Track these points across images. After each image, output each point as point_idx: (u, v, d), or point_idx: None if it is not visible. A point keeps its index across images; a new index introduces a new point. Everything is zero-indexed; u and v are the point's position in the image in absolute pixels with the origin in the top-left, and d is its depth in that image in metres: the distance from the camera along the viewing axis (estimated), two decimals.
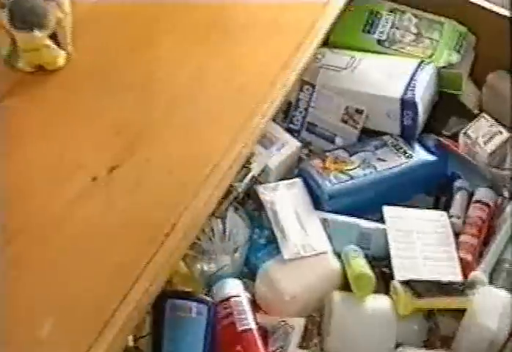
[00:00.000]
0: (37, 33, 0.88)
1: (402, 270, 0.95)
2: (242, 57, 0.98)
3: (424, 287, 0.93)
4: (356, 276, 0.94)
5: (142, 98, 0.92)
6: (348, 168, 1.06)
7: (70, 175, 0.84)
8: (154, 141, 0.89)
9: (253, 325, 0.89)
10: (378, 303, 0.94)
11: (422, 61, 1.11)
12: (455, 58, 1.13)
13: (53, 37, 0.92)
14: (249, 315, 0.90)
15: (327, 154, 1.09)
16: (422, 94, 1.07)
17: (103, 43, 0.96)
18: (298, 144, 1.09)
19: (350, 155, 1.08)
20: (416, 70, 1.09)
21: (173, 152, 0.88)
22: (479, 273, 0.97)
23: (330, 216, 1.01)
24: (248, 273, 0.99)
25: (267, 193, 1.02)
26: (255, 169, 1.02)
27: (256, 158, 1.02)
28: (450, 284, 0.95)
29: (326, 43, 1.12)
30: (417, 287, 0.93)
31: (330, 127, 1.12)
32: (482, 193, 1.07)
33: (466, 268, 0.98)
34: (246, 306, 0.91)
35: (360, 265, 0.95)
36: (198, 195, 0.85)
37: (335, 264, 0.96)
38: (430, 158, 1.07)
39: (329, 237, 0.99)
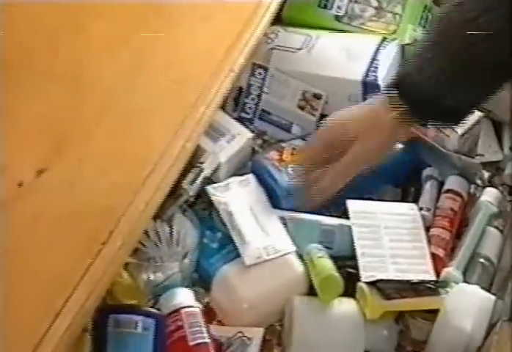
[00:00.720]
0: None
1: (369, 270, 0.91)
2: (183, 42, 0.93)
3: (393, 287, 0.89)
4: (323, 279, 0.90)
5: (71, 91, 0.85)
6: None
7: None
8: (86, 139, 0.83)
9: (207, 339, 0.85)
10: (344, 307, 0.90)
11: (384, 39, 1.08)
12: (420, 33, 1.09)
13: None
14: (202, 328, 0.86)
15: (283, 145, 1.05)
16: (386, 75, 1.04)
17: (23, 31, 0.87)
18: (250, 134, 1.05)
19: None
20: (378, 49, 1.06)
21: (108, 151, 0.84)
22: (452, 270, 0.94)
23: (288, 214, 0.97)
24: (199, 281, 0.95)
25: (218, 194, 0.98)
26: (207, 168, 0.98)
27: (208, 156, 0.98)
28: (422, 282, 0.90)
29: (278, 21, 1.09)
30: (386, 288, 0.89)
31: (286, 114, 1.08)
32: (453, 181, 1.04)
33: (438, 264, 0.95)
34: (199, 318, 0.86)
35: (326, 266, 0.91)
36: (137, 197, 0.82)
37: (299, 267, 0.92)
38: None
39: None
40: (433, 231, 0.99)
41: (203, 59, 0.93)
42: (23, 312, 0.71)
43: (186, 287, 0.91)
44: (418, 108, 0.85)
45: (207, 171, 0.97)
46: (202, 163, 0.97)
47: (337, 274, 0.90)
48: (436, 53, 0.83)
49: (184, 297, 0.89)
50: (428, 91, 0.83)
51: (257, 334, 0.88)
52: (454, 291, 0.91)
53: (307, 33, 1.09)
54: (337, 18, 1.12)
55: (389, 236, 0.96)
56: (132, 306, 0.87)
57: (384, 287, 0.89)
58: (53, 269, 0.75)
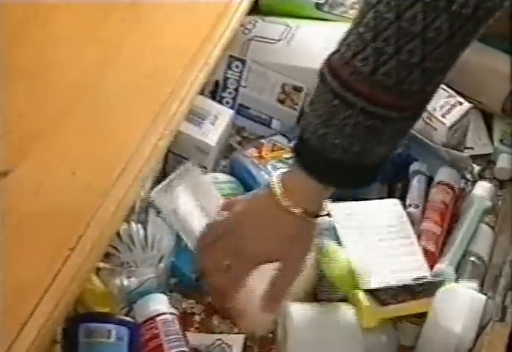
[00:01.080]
0: None
1: (363, 274, 0.89)
2: (154, 33, 0.90)
3: (389, 293, 0.88)
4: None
5: (34, 88, 0.81)
6: (288, 156, 1.00)
7: None
8: (52, 138, 0.79)
9: (184, 348, 0.83)
10: (341, 314, 0.88)
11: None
12: None
13: None
14: (179, 336, 0.84)
15: (263, 141, 1.04)
16: None
17: None
18: (231, 111, 1.04)
19: (290, 141, 1.03)
20: None
21: (76, 151, 0.80)
22: (445, 267, 0.93)
23: None
24: (176, 286, 0.93)
25: (164, 200, 0.94)
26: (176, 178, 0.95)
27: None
28: (417, 285, 0.90)
29: (255, 10, 1.07)
30: (381, 294, 0.88)
31: (265, 108, 1.07)
32: (445, 173, 1.03)
33: (429, 259, 0.94)
34: (175, 325, 0.84)
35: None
36: (107, 199, 0.80)
37: None
38: None
39: None
40: (424, 225, 0.98)
41: (176, 52, 0.90)
42: None
43: (162, 292, 0.89)
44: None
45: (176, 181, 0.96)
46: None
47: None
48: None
49: (159, 303, 0.87)
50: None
51: (237, 341, 0.86)
52: (443, 291, 0.89)
53: (286, 23, 1.07)
54: (318, 6, 1.11)
55: (378, 236, 0.94)
56: (104, 314, 0.85)
57: (378, 293, 0.88)
58: (18, 277, 0.71)
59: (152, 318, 0.84)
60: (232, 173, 1.03)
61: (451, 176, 1.02)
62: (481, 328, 0.86)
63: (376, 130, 0.75)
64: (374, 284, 0.89)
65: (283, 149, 1.02)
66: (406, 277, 0.90)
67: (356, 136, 0.75)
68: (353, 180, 0.80)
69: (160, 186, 0.93)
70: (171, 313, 0.86)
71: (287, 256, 0.81)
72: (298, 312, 0.88)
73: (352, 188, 0.84)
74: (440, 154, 1.04)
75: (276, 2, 1.11)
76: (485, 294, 0.89)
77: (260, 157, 1.01)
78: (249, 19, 1.06)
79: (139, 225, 0.91)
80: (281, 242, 0.81)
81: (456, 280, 0.92)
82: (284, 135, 1.04)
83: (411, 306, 0.88)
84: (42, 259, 0.74)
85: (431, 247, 0.95)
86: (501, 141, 1.11)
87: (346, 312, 0.88)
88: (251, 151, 1.02)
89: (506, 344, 0.83)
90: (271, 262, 0.81)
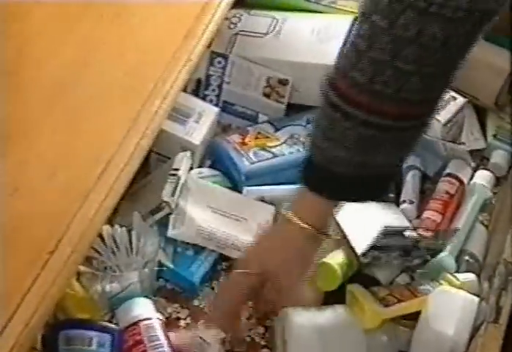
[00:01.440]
0: None
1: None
2: (136, 28, 0.89)
3: (387, 289, 0.90)
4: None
5: (11, 86, 0.80)
6: (272, 144, 1.02)
7: None
8: (30, 138, 0.79)
9: None
10: (342, 317, 0.89)
11: (357, 18, 1.01)
12: None
13: None
14: (163, 341, 0.83)
15: (248, 128, 1.04)
16: None
17: None
18: (216, 109, 1.04)
19: (277, 130, 1.04)
20: (351, 29, 1.03)
21: (55, 151, 0.80)
22: (445, 256, 0.94)
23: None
24: (185, 293, 0.93)
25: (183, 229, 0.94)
26: (183, 174, 0.95)
27: (181, 160, 0.96)
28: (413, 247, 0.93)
29: (241, 3, 1.07)
30: (379, 291, 0.89)
31: (251, 104, 1.06)
32: (454, 165, 1.04)
33: None
34: (159, 331, 0.83)
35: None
36: (88, 201, 0.79)
37: None
38: None
39: None
40: (425, 214, 0.99)
41: (157, 48, 0.90)
42: None
43: (146, 297, 0.88)
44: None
45: (183, 177, 0.95)
46: (177, 169, 0.94)
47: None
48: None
49: (143, 308, 0.86)
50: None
51: (214, 337, 0.86)
52: (435, 293, 0.89)
53: (273, 15, 1.07)
54: None
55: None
56: (85, 321, 0.84)
57: (377, 291, 0.89)
58: None
59: (136, 323, 0.84)
60: (213, 158, 1.03)
61: (460, 168, 1.03)
62: (475, 330, 0.85)
63: (378, 140, 0.75)
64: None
65: (268, 137, 1.02)
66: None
67: (358, 147, 0.76)
68: (361, 193, 0.81)
69: (172, 220, 0.93)
70: (154, 318, 0.84)
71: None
72: (298, 316, 0.87)
73: (362, 201, 0.85)
74: (436, 148, 1.03)
75: None
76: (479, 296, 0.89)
77: (243, 143, 1.01)
78: (233, 12, 1.06)
79: (124, 228, 0.90)
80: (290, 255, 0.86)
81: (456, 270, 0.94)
82: (271, 123, 1.04)
83: (412, 305, 0.88)
84: (20, 264, 0.73)
85: (428, 234, 0.96)
86: (494, 136, 1.10)
87: (346, 314, 0.88)
88: (235, 137, 1.02)
89: (501, 345, 0.82)
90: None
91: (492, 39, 1.08)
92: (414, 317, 0.87)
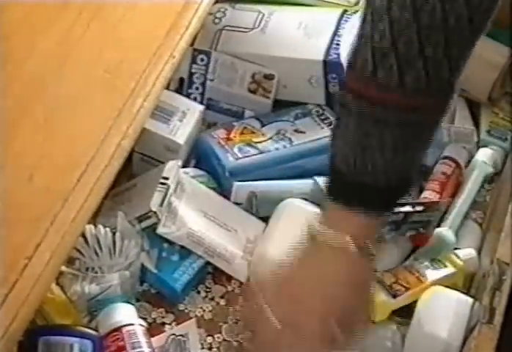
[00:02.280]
0: None
1: None
2: (116, 25, 0.91)
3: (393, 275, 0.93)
4: None
5: None
6: (258, 140, 1.03)
7: None
8: (6, 139, 0.80)
9: None
10: None
11: (345, 11, 1.07)
12: None
13: None
14: (145, 348, 0.83)
15: (234, 124, 1.05)
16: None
17: None
18: (201, 107, 1.04)
19: (263, 126, 1.04)
20: (339, 23, 1.05)
21: (32, 153, 0.81)
22: (445, 230, 0.97)
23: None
24: (145, 295, 0.93)
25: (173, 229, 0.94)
26: (173, 182, 0.95)
27: (172, 168, 0.96)
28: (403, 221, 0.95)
29: None
30: (386, 280, 0.92)
31: (236, 100, 1.07)
32: (451, 149, 1.09)
33: None
34: (142, 337, 0.83)
35: None
36: (67, 204, 0.79)
37: None
38: None
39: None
40: (423, 194, 1.03)
41: (139, 45, 0.90)
42: None
43: (127, 301, 0.88)
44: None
45: (173, 186, 0.95)
46: (166, 178, 0.94)
47: None
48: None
49: (125, 314, 0.86)
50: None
51: (189, 327, 0.88)
52: (428, 294, 0.90)
53: (259, 9, 1.08)
54: None
55: None
56: (65, 327, 0.85)
57: (382, 277, 0.90)
58: None
59: (118, 329, 0.84)
60: (198, 156, 1.03)
61: (456, 151, 1.08)
62: (468, 332, 0.86)
63: (408, 136, 0.74)
64: None
65: (254, 132, 1.03)
66: None
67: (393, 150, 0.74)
68: (394, 200, 0.79)
69: (163, 218, 0.93)
70: (137, 324, 0.85)
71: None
72: None
73: (394, 208, 0.82)
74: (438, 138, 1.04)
75: None
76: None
77: (228, 139, 1.02)
78: (218, 7, 1.06)
79: (107, 229, 0.90)
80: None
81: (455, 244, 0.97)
82: (257, 119, 1.05)
83: (419, 293, 0.90)
84: None
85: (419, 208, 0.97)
86: (488, 132, 1.11)
87: None
88: (220, 132, 1.03)
89: (495, 346, 0.82)
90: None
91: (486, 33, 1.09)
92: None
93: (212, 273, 0.96)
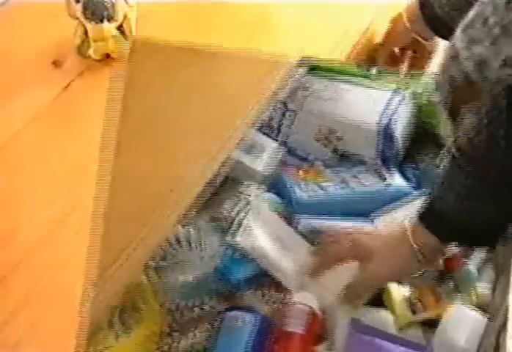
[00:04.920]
0: (106, 24, 1.12)
1: None
2: (217, 73, 1.17)
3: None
4: None
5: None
6: (321, 179, 1.19)
7: None
8: (134, 152, 1.03)
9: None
10: (377, 317, 1.08)
11: (398, 88, 1.25)
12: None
13: (120, 28, 1.15)
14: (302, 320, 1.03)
15: (304, 164, 1.24)
16: (400, 122, 1.22)
17: (162, 36, 1.19)
18: (277, 145, 1.25)
19: (326, 168, 1.23)
20: (392, 97, 1.23)
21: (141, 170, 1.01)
22: (470, 267, 1.10)
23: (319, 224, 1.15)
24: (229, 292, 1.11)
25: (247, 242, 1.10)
26: (251, 200, 1.16)
27: (252, 190, 1.17)
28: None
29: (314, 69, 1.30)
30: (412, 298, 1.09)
31: (306, 147, 1.27)
32: None
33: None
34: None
35: None
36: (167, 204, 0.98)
37: None
38: (406, 186, 1.21)
39: None
40: None
41: (234, 93, 1.14)
42: None
43: (212, 289, 1.08)
44: (450, 239, 1.00)
45: (250, 203, 1.15)
46: (248, 195, 1.17)
47: None
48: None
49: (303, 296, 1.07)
50: (457, 220, 0.95)
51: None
52: (453, 309, 1.05)
53: (338, 85, 1.27)
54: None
55: None
56: (238, 305, 1.08)
57: (410, 294, 1.08)
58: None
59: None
60: (272, 185, 1.20)
61: None
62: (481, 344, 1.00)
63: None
64: None
65: (319, 173, 1.21)
66: None
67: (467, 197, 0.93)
68: (468, 240, 1.01)
69: (241, 230, 1.10)
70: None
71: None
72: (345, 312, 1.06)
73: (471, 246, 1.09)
74: None
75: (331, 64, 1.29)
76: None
77: (298, 175, 1.20)
78: (307, 79, 1.26)
79: (192, 229, 1.11)
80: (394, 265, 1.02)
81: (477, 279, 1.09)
82: (323, 163, 1.23)
83: (434, 314, 1.07)
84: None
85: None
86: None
87: (382, 314, 1.09)
88: (291, 168, 1.22)
89: None
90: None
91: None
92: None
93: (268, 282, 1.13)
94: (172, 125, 1.07)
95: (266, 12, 1.29)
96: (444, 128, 1.22)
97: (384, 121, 1.20)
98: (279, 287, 1.12)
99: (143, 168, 1.01)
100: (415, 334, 1.07)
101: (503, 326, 0.88)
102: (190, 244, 1.10)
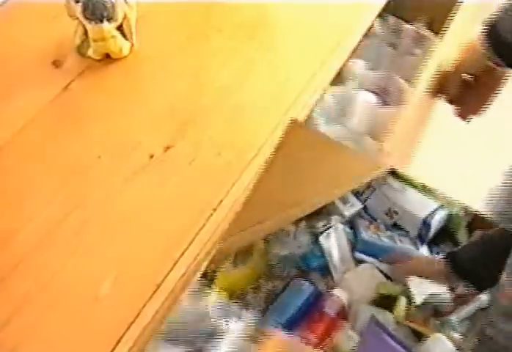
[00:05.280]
0: (105, 25, 1.12)
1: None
2: (284, 53, 1.25)
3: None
4: None
5: (194, 86, 1.16)
6: (380, 233, 1.48)
7: (131, 152, 1.06)
8: (204, 125, 1.11)
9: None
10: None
11: (442, 205, 1.52)
12: None
13: (120, 28, 1.16)
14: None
15: (373, 222, 1.53)
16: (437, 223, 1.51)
17: (162, 37, 1.23)
18: (361, 205, 1.50)
19: (386, 230, 1.52)
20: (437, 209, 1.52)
21: (221, 137, 1.10)
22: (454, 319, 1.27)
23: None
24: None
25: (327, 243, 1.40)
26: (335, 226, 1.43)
27: (336, 220, 1.44)
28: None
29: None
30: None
31: (376, 214, 1.54)
32: None
33: None
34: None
35: None
36: (243, 176, 1.05)
37: None
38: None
39: None
40: None
41: (301, 70, 1.22)
42: (148, 259, 0.95)
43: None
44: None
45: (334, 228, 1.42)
46: (330, 226, 1.41)
47: None
48: None
49: None
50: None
51: None
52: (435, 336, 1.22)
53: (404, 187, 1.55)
54: None
55: None
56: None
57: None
58: (173, 226, 0.98)
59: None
60: (351, 223, 1.48)
61: None
62: None
63: None
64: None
65: (379, 229, 1.49)
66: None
67: None
68: None
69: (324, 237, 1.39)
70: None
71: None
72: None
73: None
74: None
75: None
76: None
77: (368, 226, 1.49)
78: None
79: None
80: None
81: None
82: (385, 225, 1.52)
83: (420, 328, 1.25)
84: (192, 215, 0.99)
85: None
86: None
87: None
88: (365, 221, 1.51)
89: None
90: None
91: None
92: None
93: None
94: (241, 98, 1.17)
95: (266, 12, 1.31)
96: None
97: (429, 218, 1.51)
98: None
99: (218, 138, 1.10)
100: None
101: None
102: (294, 236, 1.38)
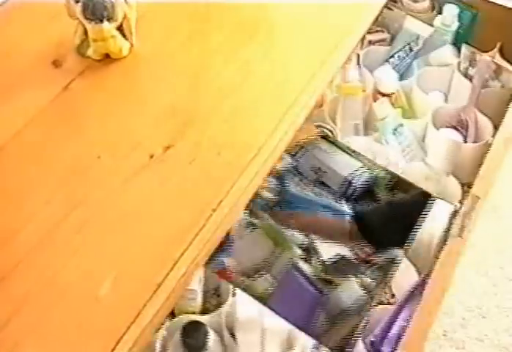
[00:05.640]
0: (105, 25, 1.13)
1: None
2: (284, 53, 1.24)
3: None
4: None
5: (194, 86, 1.17)
6: (307, 188, 1.46)
7: (130, 152, 1.07)
8: (204, 125, 1.11)
9: None
10: None
11: (365, 166, 1.48)
12: None
13: (120, 28, 1.16)
14: None
15: (302, 178, 1.48)
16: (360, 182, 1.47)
17: (162, 37, 1.23)
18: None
19: (313, 186, 1.48)
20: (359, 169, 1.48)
21: (220, 137, 1.10)
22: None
23: None
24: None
25: None
26: None
27: None
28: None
29: None
30: None
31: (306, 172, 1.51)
32: None
33: None
34: None
35: None
36: (243, 176, 1.05)
37: None
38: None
39: None
40: None
41: (301, 69, 1.21)
42: (148, 258, 0.94)
43: None
44: None
45: None
46: None
47: None
48: None
49: None
50: None
51: None
52: None
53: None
54: None
55: None
56: None
57: None
58: (173, 227, 0.98)
59: None
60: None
61: None
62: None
63: None
64: None
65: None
66: None
67: None
68: None
69: None
70: None
71: None
72: None
73: None
74: None
75: None
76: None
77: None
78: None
79: None
80: None
81: None
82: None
83: None
84: (191, 216, 0.99)
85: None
86: None
87: None
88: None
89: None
90: None
91: None
92: None
93: None
94: (241, 97, 1.17)
95: (266, 12, 1.32)
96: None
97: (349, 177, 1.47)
98: None
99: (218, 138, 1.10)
100: None
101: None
102: None
